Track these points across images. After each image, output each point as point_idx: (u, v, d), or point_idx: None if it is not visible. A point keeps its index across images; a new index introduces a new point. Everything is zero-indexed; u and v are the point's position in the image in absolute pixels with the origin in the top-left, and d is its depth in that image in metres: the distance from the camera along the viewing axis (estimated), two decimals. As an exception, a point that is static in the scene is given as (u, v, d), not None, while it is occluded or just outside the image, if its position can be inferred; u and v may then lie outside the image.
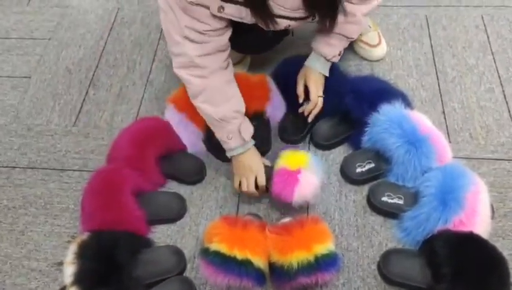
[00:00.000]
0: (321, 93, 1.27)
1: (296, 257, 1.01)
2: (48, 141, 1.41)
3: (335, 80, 1.33)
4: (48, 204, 1.28)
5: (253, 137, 1.20)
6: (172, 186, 1.29)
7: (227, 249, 1.03)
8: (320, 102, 1.26)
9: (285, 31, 1.30)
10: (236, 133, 1.15)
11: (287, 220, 1.15)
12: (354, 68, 1.51)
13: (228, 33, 1.10)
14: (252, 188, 1.18)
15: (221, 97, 1.14)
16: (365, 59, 1.53)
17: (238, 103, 1.18)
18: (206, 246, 1.07)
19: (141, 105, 1.48)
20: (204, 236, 1.13)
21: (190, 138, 1.32)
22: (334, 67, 1.35)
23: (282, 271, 1.04)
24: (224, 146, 1.19)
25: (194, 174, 1.30)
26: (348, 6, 1.17)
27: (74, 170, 1.34)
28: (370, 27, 1.51)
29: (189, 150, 1.33)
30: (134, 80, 1.54)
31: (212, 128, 1.19)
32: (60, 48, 1.66)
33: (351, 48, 1.53)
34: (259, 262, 1.04)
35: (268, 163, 1.22)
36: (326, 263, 1.03)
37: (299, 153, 1.19)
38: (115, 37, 1.68)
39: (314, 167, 1.16)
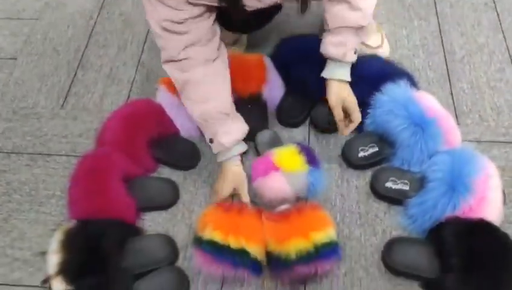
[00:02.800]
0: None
1: (293, 246, 0.96)
2: (33, 124, 1.34)
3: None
4: (33, 191, 1.21)
5: (249, 120, 1.13)
6: (164, 172, 1.22)
7: (221, 238, 0.98)
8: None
9: (277, 7, 1.21)
10: (216, 137, 1.09)
11: (284, 207, 1.09)
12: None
13: (209, 20, 1.01)
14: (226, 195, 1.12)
15: (202, 94, 1.06)
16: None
17: (223, 102, 1.08)
18: (200, 235, 1.01)
19: (132, 86, 1.40)
20: (197, 224, 1.07)
21: (183, 121, 1.25)
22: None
23: (279, 260, 0.98)
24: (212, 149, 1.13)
25: (187, 159, 1.24)
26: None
27: (61, 155, 1.27)
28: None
29: (182, 133, 1.27)
30: (125, 60, 1.47)
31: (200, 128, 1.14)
32: (48, 28, 1.58)
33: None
34: (255, 251, 0.99)
35: None
36: (326, 251, 0.97)
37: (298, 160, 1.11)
38: (105, 16, 1.59)
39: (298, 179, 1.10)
